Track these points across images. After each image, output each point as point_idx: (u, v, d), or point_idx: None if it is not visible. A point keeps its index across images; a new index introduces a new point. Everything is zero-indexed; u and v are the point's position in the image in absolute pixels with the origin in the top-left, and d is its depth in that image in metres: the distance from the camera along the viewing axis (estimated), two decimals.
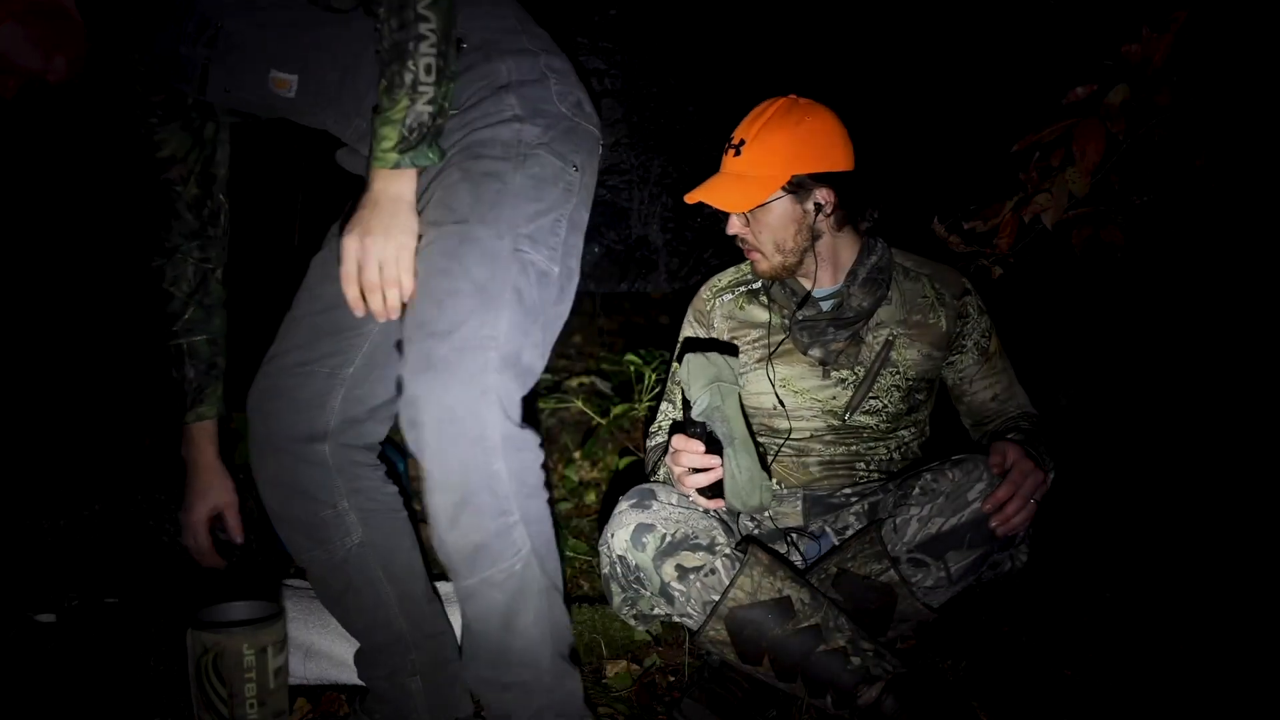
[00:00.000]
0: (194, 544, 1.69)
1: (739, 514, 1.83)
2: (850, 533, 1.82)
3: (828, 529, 1.86)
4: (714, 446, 1.60)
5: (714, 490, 1.61)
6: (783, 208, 1.77)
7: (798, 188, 1.76)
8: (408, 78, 1.31)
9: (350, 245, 1.34)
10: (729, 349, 1.84)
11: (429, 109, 1.33)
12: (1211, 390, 2.86)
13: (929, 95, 2.90)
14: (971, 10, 2.77)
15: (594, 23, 2.79)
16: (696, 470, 1.61)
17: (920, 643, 1.94)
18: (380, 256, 1.33)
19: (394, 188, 1.35)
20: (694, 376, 1.61)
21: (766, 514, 1.88)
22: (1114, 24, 1.61)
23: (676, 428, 1.70)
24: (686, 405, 1.62)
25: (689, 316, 2.00)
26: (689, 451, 1.61)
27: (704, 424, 1.60)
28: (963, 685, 1.78)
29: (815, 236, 1.81)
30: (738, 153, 1.77)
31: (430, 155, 1.36)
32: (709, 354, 1.63)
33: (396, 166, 1.34)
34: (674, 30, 2.87)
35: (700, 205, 1.78)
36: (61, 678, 1.75)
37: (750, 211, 1.78)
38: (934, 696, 1.52)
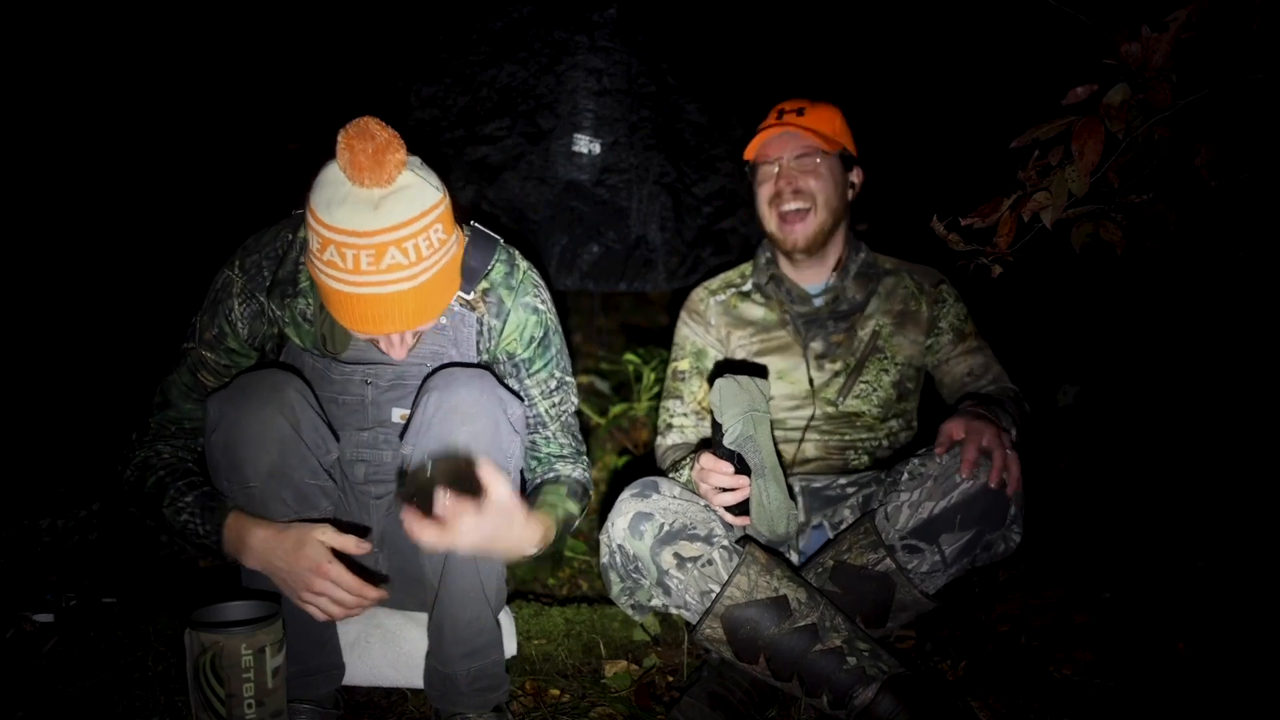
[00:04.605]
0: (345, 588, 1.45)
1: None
2: (845, 526, 1.82)
3: (825, 523, 1.87)
4: (741, 467, 1.62)
5: (740, 508, 1.63)
6: (839, 168, 1.97)
7: (846, 159, 1.98)
8: (586, 500, 1.72)
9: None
10: (759, 371, 1.86)
11: (577, 522, 1.72)
12: (1212, 389, 2.87)
13: (928, 94, 2.91)
14: (972, 10, 2.77)
15: (594, 22, 2.79)
16: (724, 489, 1.63)
17: (919, 641, 1.94)
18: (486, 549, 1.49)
19: (537, 535, 1.56)
20: (726, 403, 1.60)
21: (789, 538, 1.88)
22: (1114, 24, 1.60)
23: (704, 445, 1.71)
24: (716, 427, 1.62)
25: (684, 317, 2.09)
26: (718, 472, 1.62)
27: (734, 450, 1.61)
28: (962, 685, 1.78)
29: (843, 215, 1.98)
30: (801, 113, 1.94)
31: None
32: (740, 379, 1.62)
33: (557, 533, 1.61)
34: (673, 30, 2.87)
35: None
36: (60, 678, 1.75)
37: (819, 158, 1.93)
38: (932, 696, 1.52)
